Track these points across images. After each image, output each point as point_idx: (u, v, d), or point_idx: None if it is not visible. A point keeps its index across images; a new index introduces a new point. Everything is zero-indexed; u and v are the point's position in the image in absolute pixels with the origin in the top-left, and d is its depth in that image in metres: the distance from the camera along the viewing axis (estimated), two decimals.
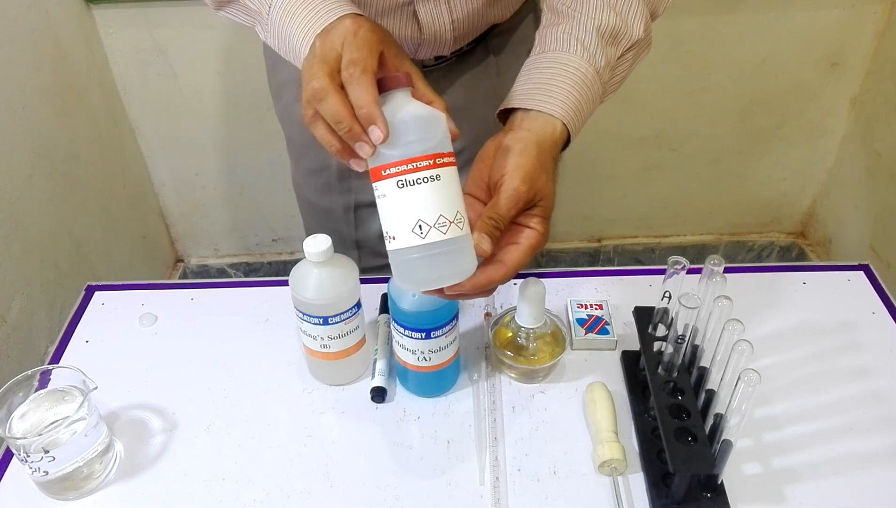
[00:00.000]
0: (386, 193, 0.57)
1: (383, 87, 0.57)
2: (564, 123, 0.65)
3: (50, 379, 0.68)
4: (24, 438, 0.61)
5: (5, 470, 0.70)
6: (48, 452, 0.62)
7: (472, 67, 0.84)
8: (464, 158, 0.92)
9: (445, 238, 0.57)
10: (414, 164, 0.56)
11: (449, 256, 0.58)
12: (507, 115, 0.68)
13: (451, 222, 0.57)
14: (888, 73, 1.55)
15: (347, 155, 0.57)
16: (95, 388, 0.65)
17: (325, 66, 0.55)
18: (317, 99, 0.54)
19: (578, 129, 0.68)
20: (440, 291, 0.59)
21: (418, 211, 0.56)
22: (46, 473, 0.64)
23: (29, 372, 0.67)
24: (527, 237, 0.62)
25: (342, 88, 0.55)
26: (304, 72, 0.56)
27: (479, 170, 0.65)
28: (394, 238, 0.58)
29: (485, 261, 0.60)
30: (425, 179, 0.56)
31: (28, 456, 0.62)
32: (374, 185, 0.57)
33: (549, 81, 0.66)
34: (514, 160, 0.62)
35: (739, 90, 1.64)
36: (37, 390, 0.67)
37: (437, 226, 0.57)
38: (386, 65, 0.58)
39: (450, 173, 0.57)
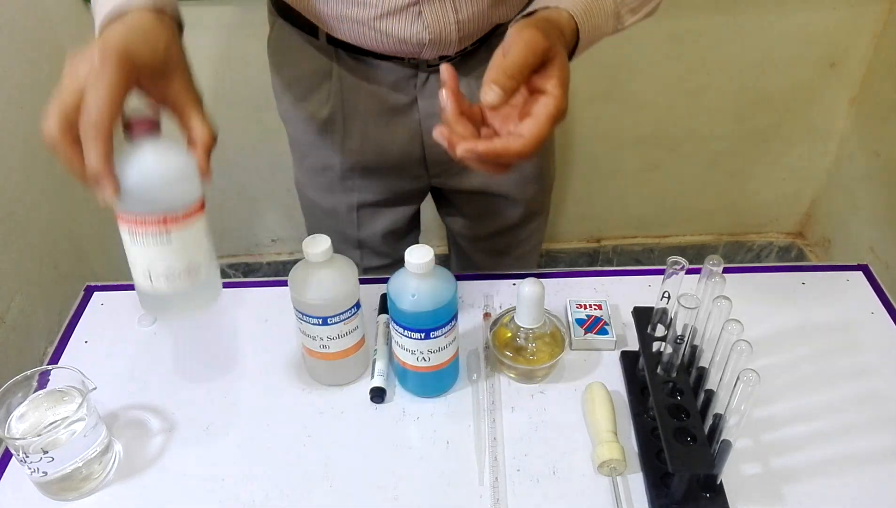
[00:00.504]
0: (122, 234, 0.60)
1: (129, 131, 0.56)
2: (572, 16, 0.63)
3: (49, 380, 0.68)
4: (23, 439, 0.61)
5: (4, 470, 0.69)
6: (47, 453, 0.62)
7: (476, 66, 0.84)
8: None
9: (173, 290, 0.60)
10: (143, 220, 0.57)
11: (182, 298, 0.61)
12: None
13: (181, 273, 0.60)
14: (887, 73, 1.55)
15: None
16: (94, 388, 0.65)
17: (61, 109, 0.52)
18: (48, 145, 0.53)
19: (587, 33, 0.65)
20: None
21: (146, 262, 0.59)
22: (45, 474, 0.64)
23: (28, 372, 0.66)
24: (544, 105, 0.58)
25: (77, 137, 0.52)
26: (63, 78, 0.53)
27: (499, 49, 0.60)
28: (132, 275, 0.62)
29: (504, 135, 0.59)
30: (154, 236, 0.58)
31: (27, 457, 0.62)
32: None
33: None
34: (521, 22, 0.61)
35: (738, 90, 1.64)
36: (36, 390, 0.67)
37: (166, 276, 0.59)
38: (146, 88, 0.56)
39: (184, 231, 0.59)
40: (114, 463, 0.69)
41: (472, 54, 0.83)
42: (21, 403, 0.66)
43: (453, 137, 0.59)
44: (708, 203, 1.87)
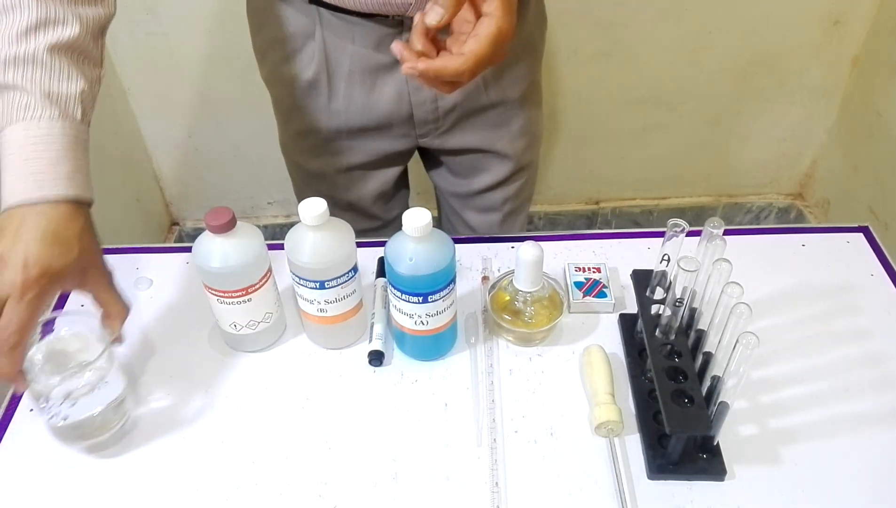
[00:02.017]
0: (209, 297, 0.71)
1: (210, 226, 0.65)
2: None
3: (58, 326, 0.67)
4: (48, 380, 0.61)
5: (6, 430, 0.70)
6: (69, 396, 0.62)
7: None
8: (456, 115, 0.91)
9: (252, 332, 0.74)
10: (230, 293, 0.69)
11: (260, 336, 0.75)
12: None
13: (259, 322, 0.74)
14: (890, 32, 1.53)
15: None
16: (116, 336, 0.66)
17: None
18: None
19: None
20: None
21: (232, 317, 0.72)
22: (66, 418, 0.63)
23: (49, 315, 0.65)
24: (485, 27, 0.61)
25: None
26: None
27: None
28: (219, 323, 0.75)
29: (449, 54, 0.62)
30: (237, 301, 0.70)
31: (48, 402, 0.62)
32: None
33: None
34: None
35: (740, 49, 1.62)
36: (43, 336, 0.66)
37: (247, 325, 0.73)
38: (64, 287, 0.61)
39: (259, 293, 0.71)
40: (128, 415, 0.69)
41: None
42: (40, 347, 0.65)
43: (405, 53, 0.62)
44: (708, 164, 1.86)
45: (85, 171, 0.62)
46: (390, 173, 1.00)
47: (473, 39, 0.61)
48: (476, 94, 0.89)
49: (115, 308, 0.65)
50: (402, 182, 1.05)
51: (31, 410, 0.71)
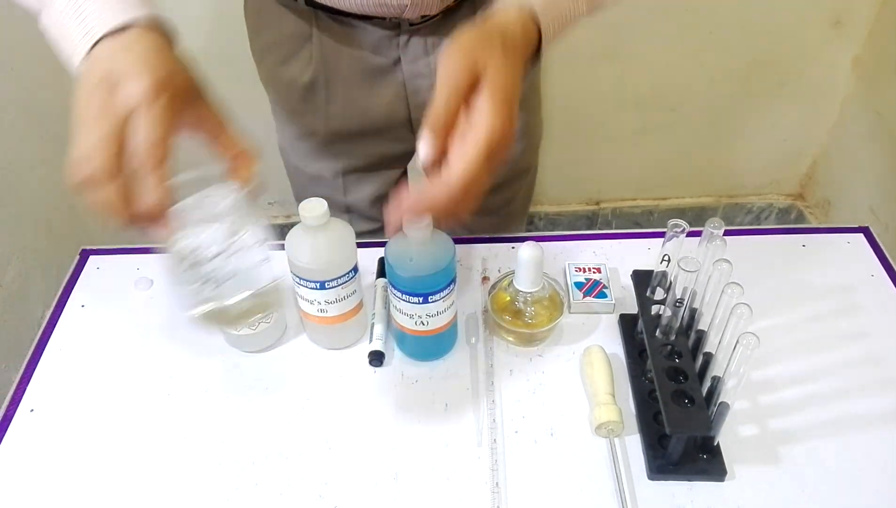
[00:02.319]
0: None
1: None
2: (526, 10, 0.56)
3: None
4: (198, 232, 0.53)
5: (6, 432, 0.70)
6: (218, 256, 0.54)
7: (458, 24, 0.82)
8: None
9: (253, 332, 0.72)
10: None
11: (260, 337, 0.74)
12: None
13: (259, 322, 0.72)
14: (892, 32, 1.53)
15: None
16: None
17: (111, 141, 0.47)
18: (87, 185, 0.48)
19: (553, 25, 0.58)
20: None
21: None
22: (217, 284, 0.54)
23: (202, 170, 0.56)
24: (474, 128, 0.50)
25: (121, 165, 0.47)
26: (80, 115, 0.48)
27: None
28: None
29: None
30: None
31: (194, 266, 0.54)
32: None
33: None
34: (447, 45, 0.52)
35: (740, 49, 1.62)
36: None
37: (248, 325, 0.69)
38: (186, 113, 0.52)
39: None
40: (277, 313, 0.70)
41: (453, 10, 0.82)
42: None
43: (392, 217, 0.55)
44: (708, 164, 1.86)
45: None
46: (389, 176, 1.00)
47: (459, 153, 0.50)
48: None
49: (240, 147, 0.54)
50: (402, 185, 1.05)
51: (32, 410, 0.72)
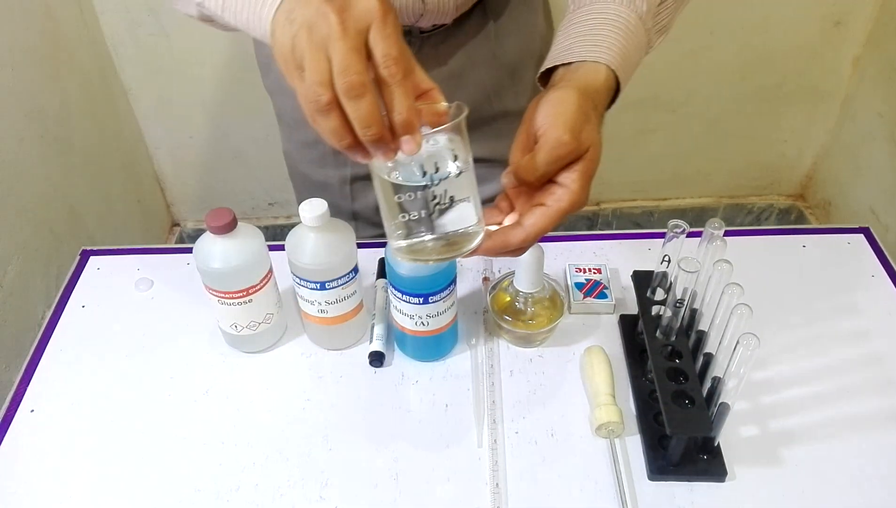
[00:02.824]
0: (210, 298, 0.70)
1: (210, 226, 0.63)
2: (611, 69, 0.59)
3: None
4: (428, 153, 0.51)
5: (6, 432, 0.70)
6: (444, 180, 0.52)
7: (470, 32, 0.82)
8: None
9: (253, 333, 0.73)
10: (231, 294, 0.69)
11: (260, 337, 0.74)
12: (547, 78, 0.63)
13: (259, 323, 0.72)
14: (892, 33, 1.53)
15: (356, 151, 0.50)
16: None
17: (359, 54, 0.46)
18: (350, 94, 0.46)
19: (627, 78, 0.62)
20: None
21: (232, 318, 0.71)
22: (447, 205, 0.53)
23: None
24: (557, 199, 0.55)
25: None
26: (304, 44, 0.47)
27: (521, 133, 0.58)
28: (219, 324, 0.74)
29: (511, 224, 0.56)
30: (238, 302, 0.69)
31: (424, 189, 0.52)
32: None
33: (590, 32, 0.61)
34: (554, 109, 0.55)
35: (740, 49, 1.61)
36: None
37: (247, 326, 0.70)
38: None
39: (260, 293, 0.71)
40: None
41: (465, 17, 0.81)
42: None
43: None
44: (708, 165, 1.86)
45: None
46: None
47: (541, 211, 0.54)
48: (482, 104, 0.88)
49: (429, 83, 0.53)
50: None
51: (33, 411, 0.72)
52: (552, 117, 0.55)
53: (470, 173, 0.54)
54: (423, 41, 0.82)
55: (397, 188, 0.52)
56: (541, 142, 0.55)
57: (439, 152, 0.53)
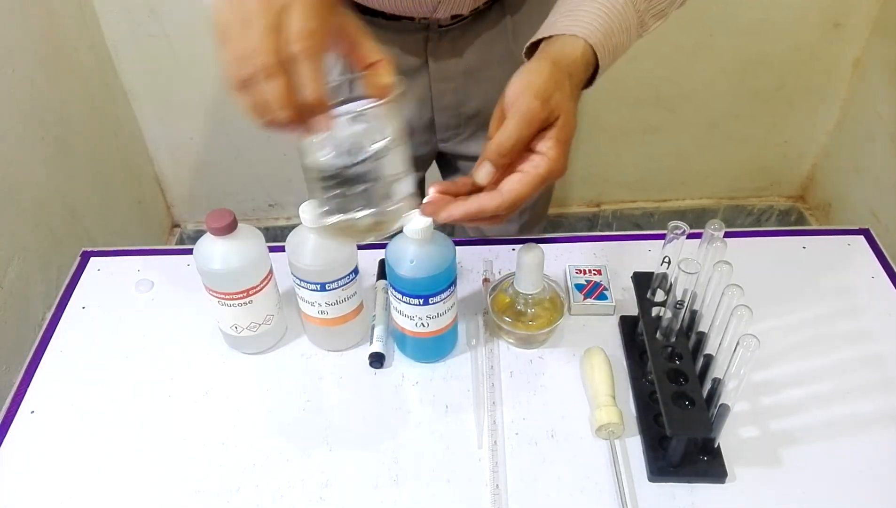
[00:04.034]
0: (210, 299, 0.69)
1: (210, 227, 0.61)
2: (589, 44, 0.60)
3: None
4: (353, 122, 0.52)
5: (7, 432, 0.70)
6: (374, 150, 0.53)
7: (487, 28, 0.83)
8: (478, 121, 0.91)
9: (253, 334, 0.73)
10: (231, 295, 0.69)
11: (260, 338, 0.74)
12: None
13: (260, 324, 0.71)
14: (892, 34, 1.53)
15: (274, 128, 0.49)
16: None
17: (272, 34, 0.46)
18: (261, 75, 0.46)
19: (608, 56, 0.62)
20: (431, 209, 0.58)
21: (233, 319, 0.71)
22: (375, 179, 0.54)
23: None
24: (534, 166, 0.56)
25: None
26: (230, 18, 0.47)
27: (497, 108, 0.59)
28: (219, 325, 0.74)
29: (486, 188, 0.57)
30: (239, 303, 0.69)
31: (355, 153, 0.53)
32: None
33: (573, 8, 0.62)
34: (524, 79, 0.56)
35: (740, 51, 1.62)
36: None
37: (248, 327, 0.71)
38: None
39: (261, 294, 0.70)
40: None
41: (483, 13, 0.82)
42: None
43: (438, 202, 0.58)
44: (708, 166, 1.86)
45: None
46: None
47: (518, 178, 0.56)
48: (496, 101, 0.88)
49: (375, 57, 0.53)
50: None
51: (33, 412, 0.72)
52: (522, 86, 0.56)
53: (400, 150, 0.54)
54: (441, 35, 0.82)
55: (322, 166, 0.52)
56: (512, 110, 0.56)
57: (368, 129, 0.53)
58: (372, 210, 0.55)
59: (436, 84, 0.85)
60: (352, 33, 0.53)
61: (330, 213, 0.55)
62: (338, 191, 0.53)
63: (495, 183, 0.58)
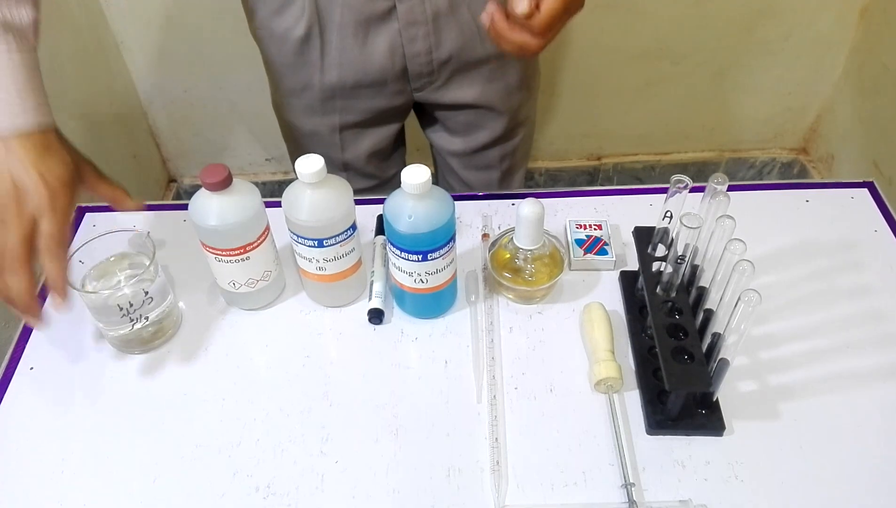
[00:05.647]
0: (207, 256, 0.72)
1: (206, 183, 0.65)
2: None
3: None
4: (121, 290, 0.67)
5: (6, 391, 0.70)
6: (149, 296, 0.68)
7: None
8: (451, 67, 0.89)
9: (251, 290, 0.74)
10: (227, 251, 0.70)
11: (258, 294, 0.75)
12: None
13: (257, 280, 0.73)
14: None
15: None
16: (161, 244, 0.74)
17: (21, 227, 0.59)
18: (8, 271, 0.60)
19: None
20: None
21: (230, 276, 0.72)
22: (147, 319, 0.70)
23: (97, 237, 0.70)
24: None
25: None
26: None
27: None
28: (217, 281, 0.76)
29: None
30: (236, 260, 0.71)
31: (131, 306, 0.68)
32: None
33: None
34: None
35: (746, 0, 1.58)
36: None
37: (245, 284, 0.73)
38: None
39: (257, 250, 0.71)
40: (179, 322, 0.75)
41: None
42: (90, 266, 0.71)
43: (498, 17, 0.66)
44: (711, 119, 1.83)
45: (45, 98, 0.65)
46: (386, 131, 0.98)
47: (545, 2, 0.63)
48: (472, 46, 0.87)
49: (117, 190, 0.69)
50: (399, 141, 1.04)
51: (32, 368, 0.72)
52: None
53: (161, 279, 0.71)
54: None
55: (91, 299, 0.68)
56: None
57: (124, 261, 0.71)
58: (141, 324, 0.70)
59: (405, 30, 0.84)
60: (90, 178, 0.67)
61: (111, 329, 0.70)
62: (113, 313, 0.68)
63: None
